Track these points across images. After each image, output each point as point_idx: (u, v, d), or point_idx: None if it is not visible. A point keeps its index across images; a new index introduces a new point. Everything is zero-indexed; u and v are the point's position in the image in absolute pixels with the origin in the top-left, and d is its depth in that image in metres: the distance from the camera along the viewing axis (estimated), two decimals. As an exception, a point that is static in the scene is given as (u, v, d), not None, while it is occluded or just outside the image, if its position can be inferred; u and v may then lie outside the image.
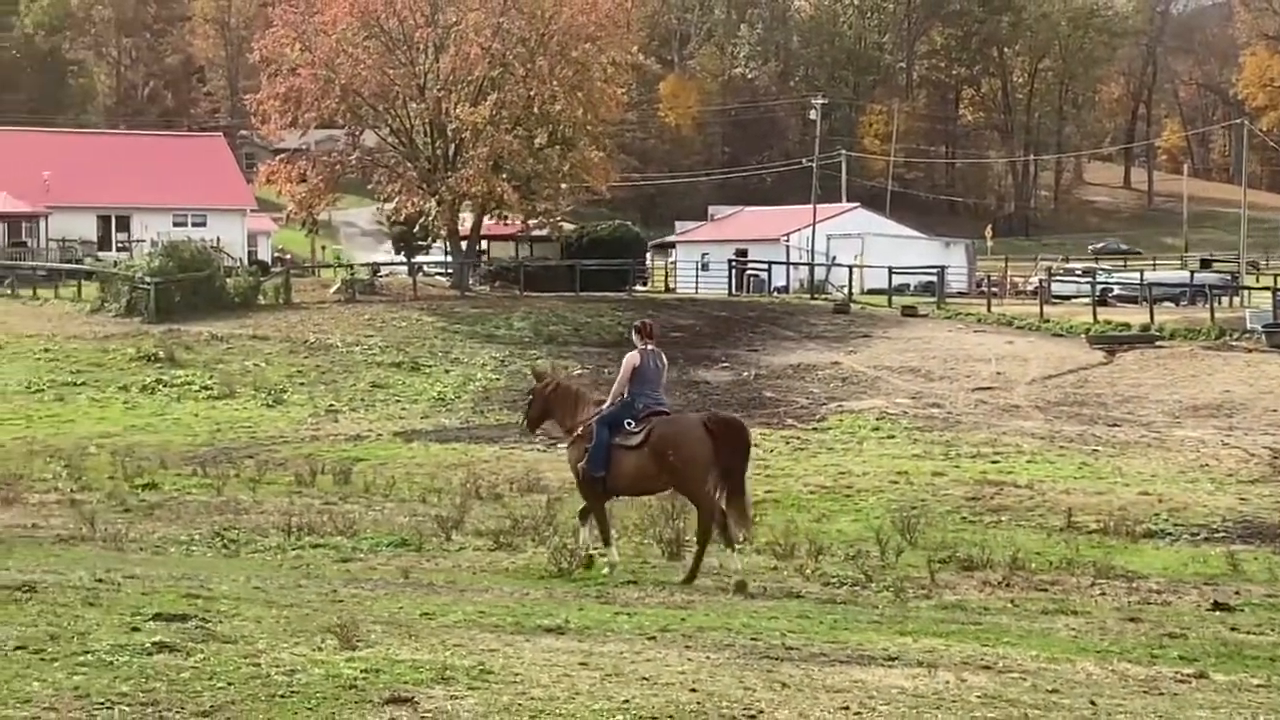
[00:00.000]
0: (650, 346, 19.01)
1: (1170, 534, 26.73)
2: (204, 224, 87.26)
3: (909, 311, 70.09)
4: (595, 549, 18.88)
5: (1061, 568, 21.28)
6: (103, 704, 9.02)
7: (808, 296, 78.80)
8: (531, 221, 78.30)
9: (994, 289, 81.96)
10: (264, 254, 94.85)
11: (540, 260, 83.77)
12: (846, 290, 78.00)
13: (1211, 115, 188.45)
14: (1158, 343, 57.86)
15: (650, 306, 70.48)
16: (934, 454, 37.57)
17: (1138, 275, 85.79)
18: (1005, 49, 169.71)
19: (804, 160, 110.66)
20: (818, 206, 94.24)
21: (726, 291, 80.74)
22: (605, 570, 18.49)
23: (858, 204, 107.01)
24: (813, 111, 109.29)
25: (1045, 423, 43.93)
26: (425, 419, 46.36)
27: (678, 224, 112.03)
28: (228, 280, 69.19)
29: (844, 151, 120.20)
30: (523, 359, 55.79)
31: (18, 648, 10.49)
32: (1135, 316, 64.52)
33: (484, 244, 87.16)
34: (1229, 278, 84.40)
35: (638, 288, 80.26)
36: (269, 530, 22.29)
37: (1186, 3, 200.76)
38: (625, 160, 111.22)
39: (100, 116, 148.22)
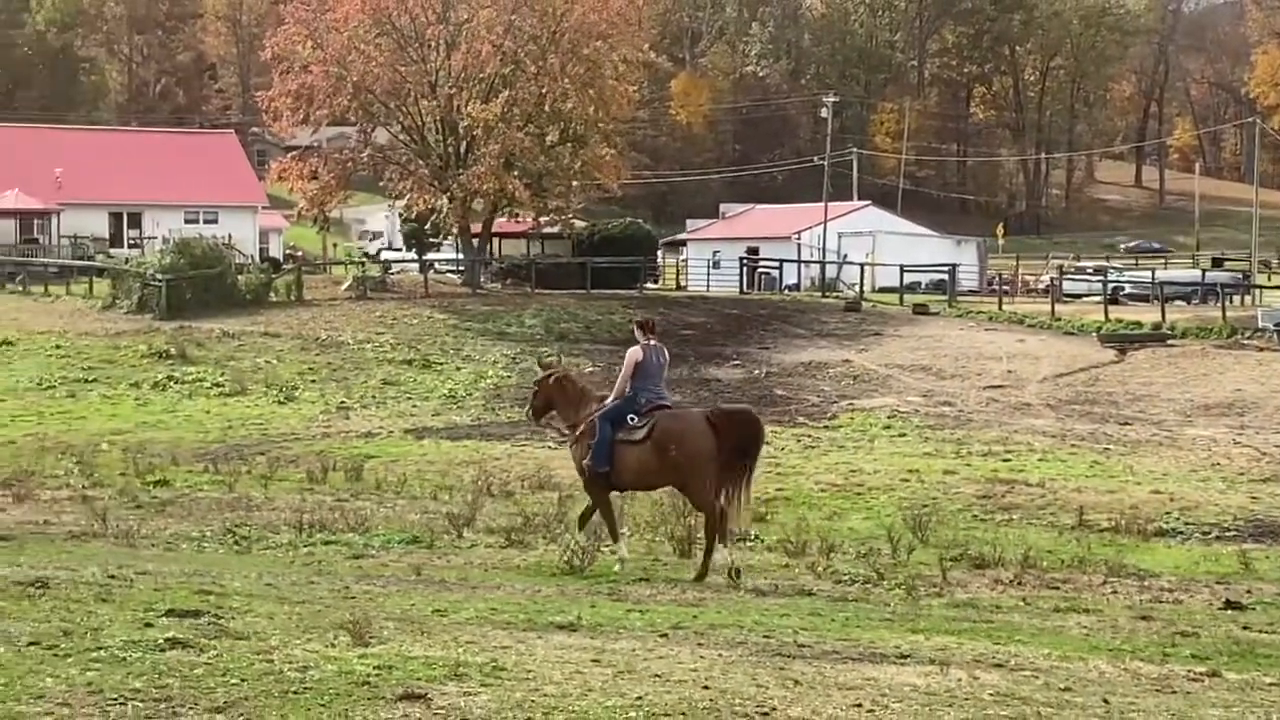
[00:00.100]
0: (652, 341, 19.14)
1: (1182, 532, 26.70)
2: (215, 221, 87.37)
3: (920, 310, 70.03)
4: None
5: (1073, 566, 21.27)
6: (116, 700, 9.03)
7: (819, 294, 78.75)
8: (543, 219, 78.27)
9: (1005, 287, 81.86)
10: (275, 251, 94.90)
11: (551, 258, 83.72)
12: (858, 288, 77.95)
13: (1223, 114, 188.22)
14: (1169, 341, 57.82)
15: (662, 304, 70.48)
16: (945, 452, 37.54)
17: (1149, 274, 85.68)
18: (1017, 47, 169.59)
19: (815, 158, 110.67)
20: (829, 204, 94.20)
21: (738, 289, 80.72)
22: (616, 566, 18.52)
23: (869, 202, 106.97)
24: (824, 109, 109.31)
25: (1057, 421, 43.90)
26: (436, 416, 46.36)
27: (689, 222, 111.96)
28: (239, 277, 69.23)
29: (855, 149, 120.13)
30: (534, 357, 55.74)
31: (31, 643, 10.50)
32: (1147, 315, 64.45)
33: (495, 241, 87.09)
34: (1241, 276, 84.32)
35: (649, 285, 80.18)
36: (280, 527, 22.31)
37: (1198, 1, 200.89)
38: (637, 158, 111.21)
39: (112, 113, 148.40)
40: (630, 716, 9.17)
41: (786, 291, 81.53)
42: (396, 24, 74.03)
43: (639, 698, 9.65)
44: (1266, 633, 15.53)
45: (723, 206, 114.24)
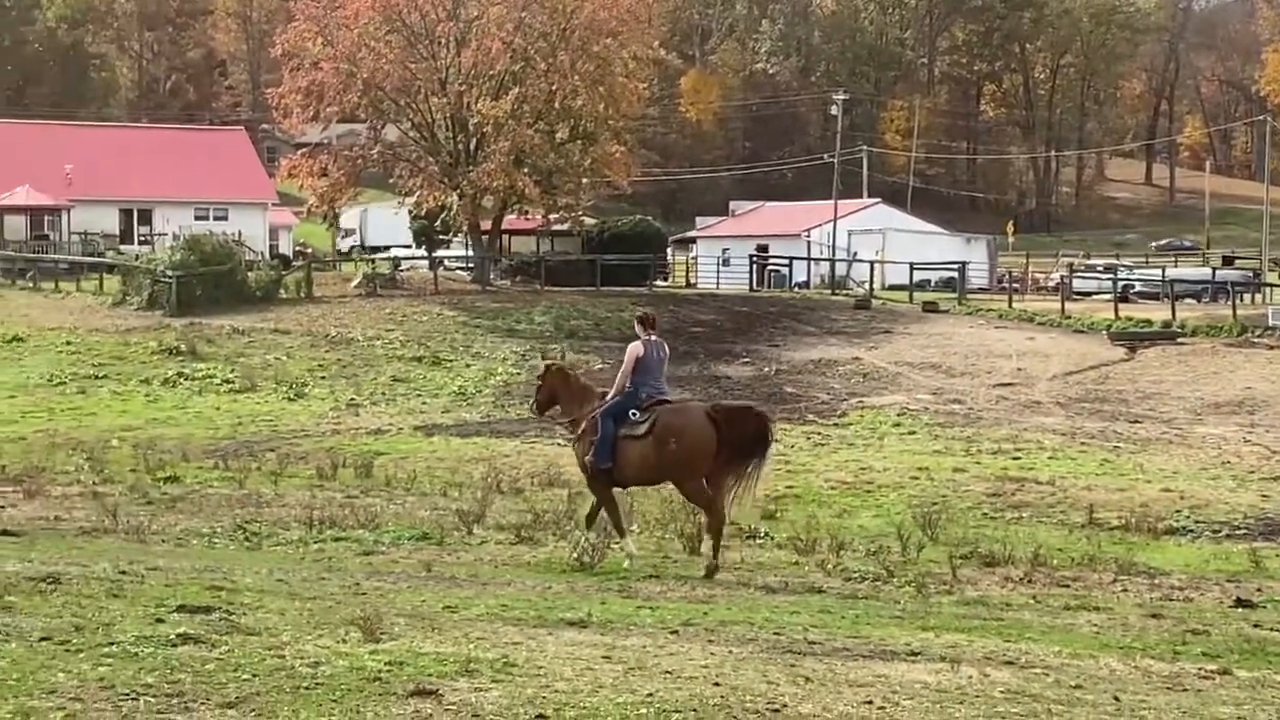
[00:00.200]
0: (653, 337, 19.28)
1: (1192, 531, 26.69)
2: (225, 218, 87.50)
3: (930, 307, 69.97)
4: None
5: (1083, 564, 21.26)
6: (128, 695, 9.04)
7: (829, 292, 78.70)
8: (552, 216, 78.30)
9: (1015, 285, 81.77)
10: (285, 248, 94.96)
11: (561, 255, 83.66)
12: (867, 286, 77.87)
13: (1234, 112, 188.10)
14: (1179, 339, 57.76)
15: (671, 302, 70.49)
16: (955, 450, 37.53)
17: (1159, 272, 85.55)
18: (1027, 45, 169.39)
19: (825, 156, 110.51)
20: (839, 202, 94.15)
21: (747, 287, 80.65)
22: (625, 563, 18.55)
23: (879, 199, 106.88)
24: (834, 107, 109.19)
25: (1066, 419, 43.87)
26: (446, 413, 46.40)
27: (699, 219, 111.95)
28: (249, 274, 69.29)
29: (865, 147, 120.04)
30: (543, 354, 55.84)
31: (43, 639, 10.53)
32: (1157, 313, 64.38)
33: (504, 239, 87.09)
34: (1251, 274, 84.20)
35: (659, 283, 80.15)
36: (291, 523, 22.33)
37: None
38: (646, 155, 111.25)
39: (122, 110, 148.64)
40: (641, 713, 9.17)
41: (796, 289, 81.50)
42: (407, 21, 74.03)
43: (650, 694, 9.66)
44: (1277, 631, 15.51)
45: (732, 204, 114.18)
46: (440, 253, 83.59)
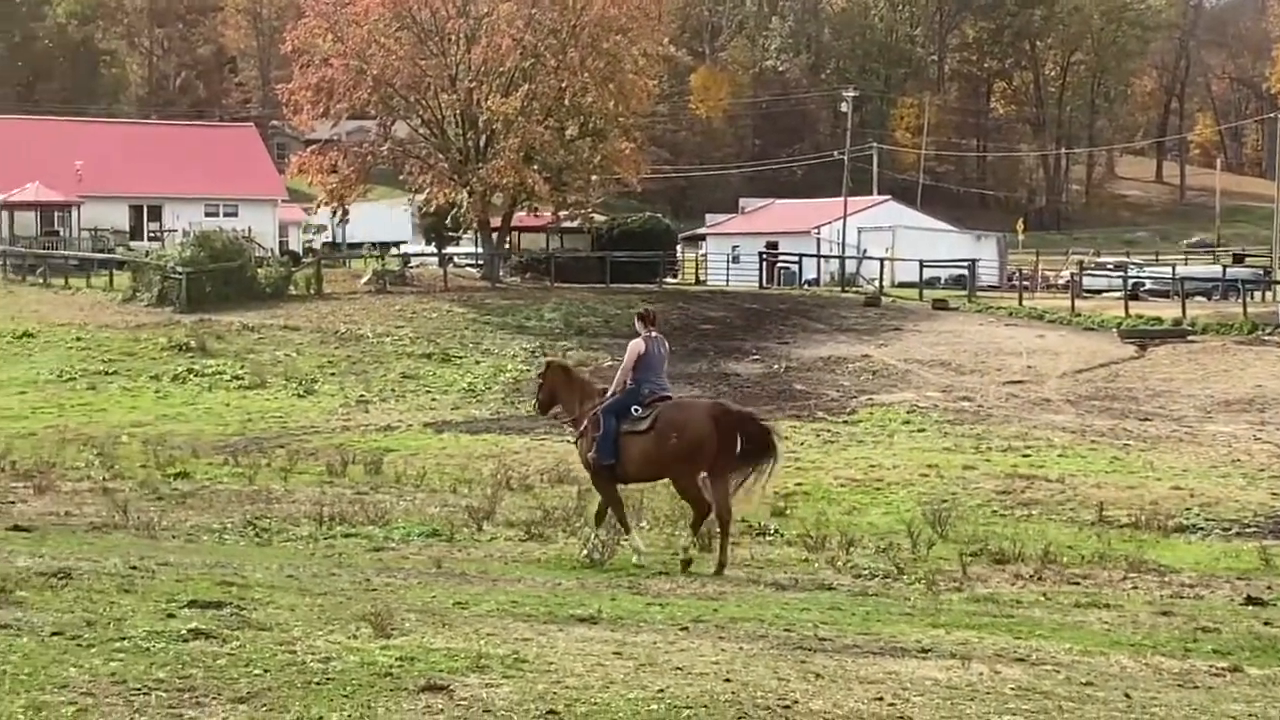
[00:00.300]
0: (653, 334, 19.36)
1: (1202, 528, 26.64)
2: (235, 214, 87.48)
3: (940, 305, 69.93)
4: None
5: (1093, 561, 21.23)
6: (139, 690, 9.06)
7: (838, 289, 78.70)
8: (562, 213, 78.34)
9: (1025, 283, 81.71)
10: (295, 244, 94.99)
11: (570, 252, 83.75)
12: (877, 283, 77.87)
13: (1244, 109, 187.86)
14: (1189, 337, 57.68)
15: (681, 299, 70.54)
16: (964, 447, 37.47)
17: (1169, 270, 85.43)
18: (1037, 42, 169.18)
19: (835, 153, 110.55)
20: (849, 199, 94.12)
21: (757, 284, 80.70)
22: (634, 559, 18.57)
23: (889, 197, 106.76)
24: (844, 104, 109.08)
25: (1076, 417, 43.81)
26: (456, 410, 46.41)
27: (708, 216, 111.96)
28: (259, 270, 69.34)
29: (875, 144, 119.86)
30: (553, 350, 55.83)
31: (54, 633, 10.55)
32: (1167, 311, 64.29)
33: (514, 235, 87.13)
34: (1261, 272, 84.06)
35: (668, 280, 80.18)
36: (301, 519, 22.35)
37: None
38: (656, 152, 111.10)
39: (132, 106, 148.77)
40: (652, 709, 9.18)
41: (806, 286, 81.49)
42: (417, 17, 74.07)
43: (661, 690, 9.67)
44: (1288, 628, 15.50)
45: (742, 201, 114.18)
46: (450, 249, 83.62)
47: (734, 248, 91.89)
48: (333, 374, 52.22)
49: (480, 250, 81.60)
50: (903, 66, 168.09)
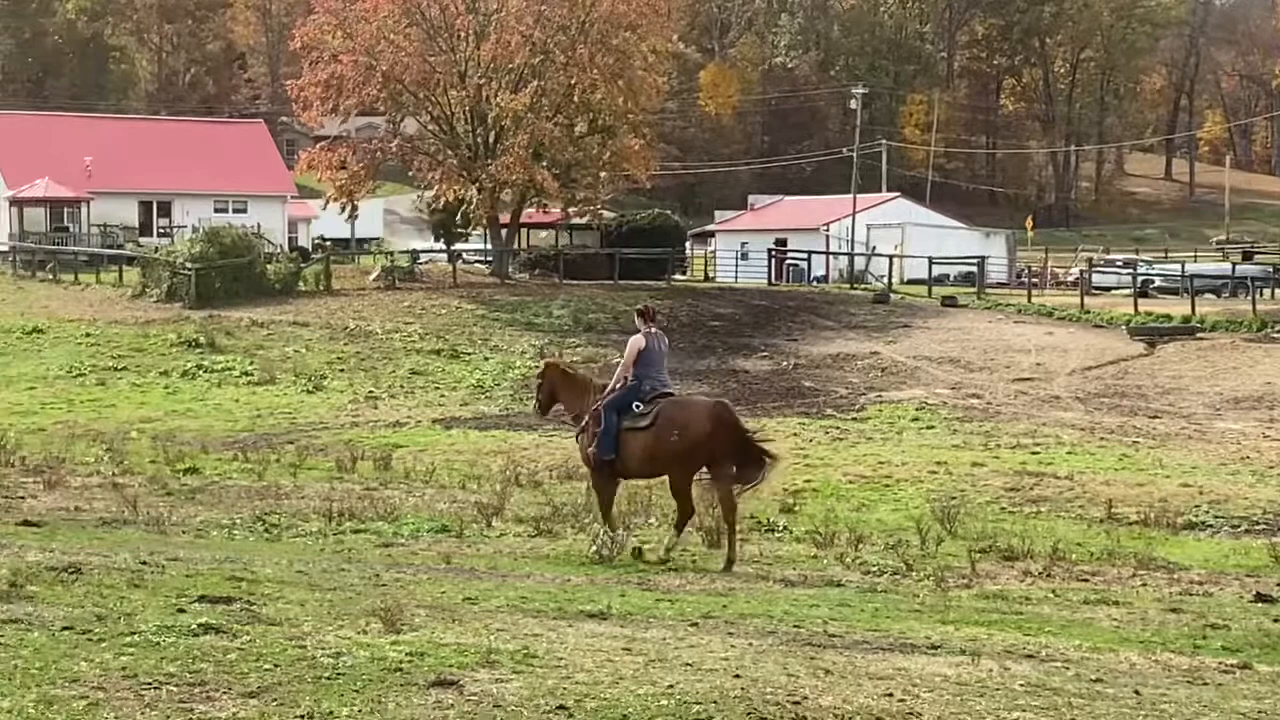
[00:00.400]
0: (653, 329, 19.47)
1: (1211, 526, 26.63)
2: (244, 210, 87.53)
3: (949, 302, 69.89)
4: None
5: (1102, 559, 21.24)
6: (150, 684, 9.08)
7: (847, 286, 78.66)
8: (571, 210, 78.34)
9: (1034, 280, 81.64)
10: (304, 241, 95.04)
11: (579, 248, 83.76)
12: (886, 280, 77.81)
13: (1254, 107, 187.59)
14: (1198, 334, 57.61)
15: (690, 295, 70.54)
16: (973, 444, 37.48)
17: (1178, 267, 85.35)
18: (1047, 39, 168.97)
19: (844, 150, 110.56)
20: (858, 196, 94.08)
21: (766, 281, 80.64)
22: (590, 549, 18.71)
23: (898, 194, 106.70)
24: (853, 101, 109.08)
25: (1085, 414, 43.80)
26: (465, 406, 46.46)
27: (717, 213, 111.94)
28: (268, 266, 69.40)
29: (884, 141, 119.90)
30: (562, 347, 55.85)
31: (65, 628, 10.57)
32: (1176, 308, 64.21)
33: (523, 232, 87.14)
34: (1271, 269, 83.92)
35: (677, 276, 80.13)
36: (310, 515, 22.37)
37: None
38: (665, 149, 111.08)
39: (142, 102, 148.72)
40: (662, 704, 9.19)
41: (814, 283, 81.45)
42: (426, 14, 74.13)
43: (671, 686, 9.68)
44: (1297, 626, 15.49)
45: (751, 198, 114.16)
46: (459, 246, 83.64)
47: (743, 244, 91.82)
48: (342, 370, 52.29)
49: (489, 247, 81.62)
50: (912, 63, 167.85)
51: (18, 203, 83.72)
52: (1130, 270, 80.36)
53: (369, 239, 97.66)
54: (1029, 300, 70.72)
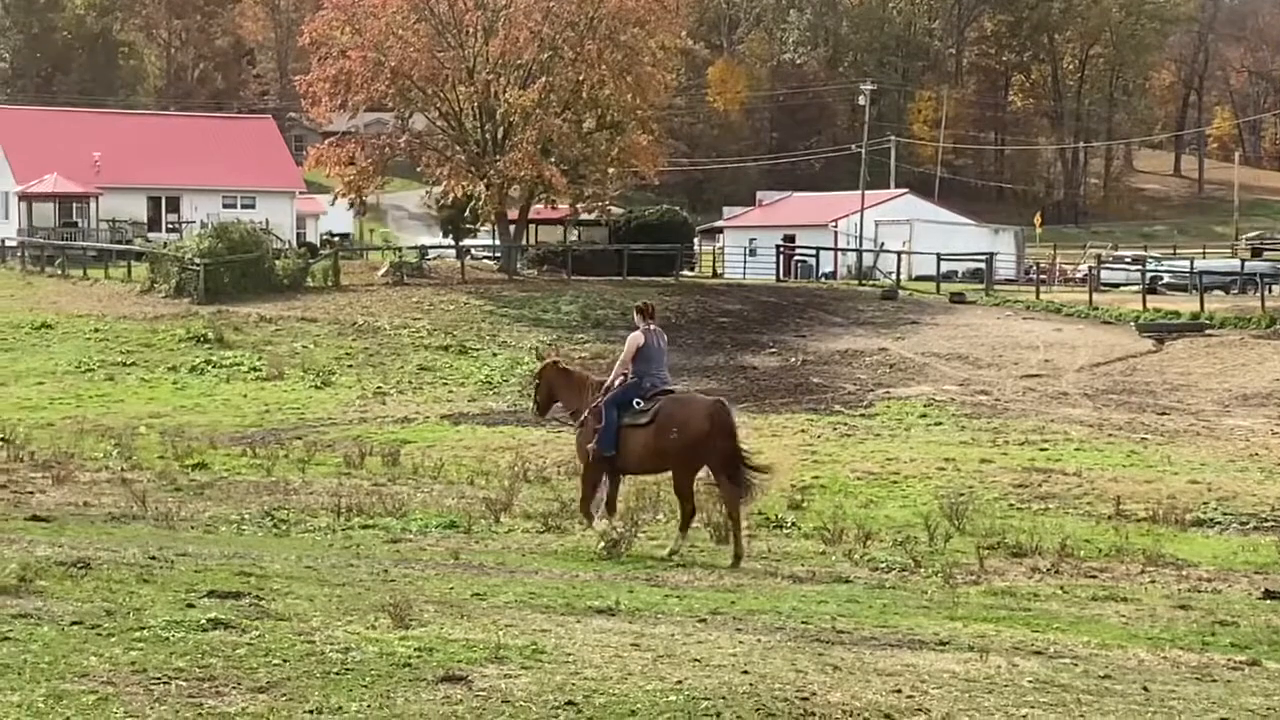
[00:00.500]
0: (652, 326, 19.57)
1: (1219, 522, 26.60)
2: (253, 206, 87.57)
3: (957, 298, 69.87)
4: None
5: (1111, 555, 21.21)
6: (159, 679, 9.10)
7: (855, 282, 78.66)
8: (579, 206, 78.31)
9: (1043, 276, 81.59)
10: (312, 236, 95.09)
11: (588, 244, 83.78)
12: (894, 276, 77.81)
13: (1263, 103, 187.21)
14: (1207, 331, 57.55)
15: (698, 292, 70.56)
16: (981, 441, 37.44)
17: (1187, 263, 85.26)
18: (1056, 35, 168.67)
19: (853, 146, 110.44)
20: (866, 192, 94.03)
21: (774, 277, 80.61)
22: (599, 545, 18.72)
23: (906, 190, 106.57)
24: (862, 97, 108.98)
25: (1094, 410, 43.76)
26: (473, 402, 46.48)
27: (725, 209, 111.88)
28: (276, 262, 69.43)
29: (893, 137, 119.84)
30: (570, 343, 55.93)
31: (74, 623, 10.59)
32: (1185, 305, 64.14)
33: (531, 228, 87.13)
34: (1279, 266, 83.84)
35: (685, 273, 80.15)
36: (318, 511, 22.39)
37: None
38: (673, 145, 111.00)
39: (150, 98, 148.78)
40: (671, 700, 9.20)
41: (823, 279, 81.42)
42: (435, 10, 74.18)
43: (679, 682, 9.69)
44: (1306, 623, 15.47)
45: (759, 194, 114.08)
46: (467, 242, 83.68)
47: (751, 240, 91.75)
48: (350, 366, 52.32)
49: (497, 243, 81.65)
50: (921, 59, 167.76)
51: (27, 198, 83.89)
52: (1139, 267, 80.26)
53: (343, 234, 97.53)
54: (1037, 297, 70.66)
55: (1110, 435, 38.61)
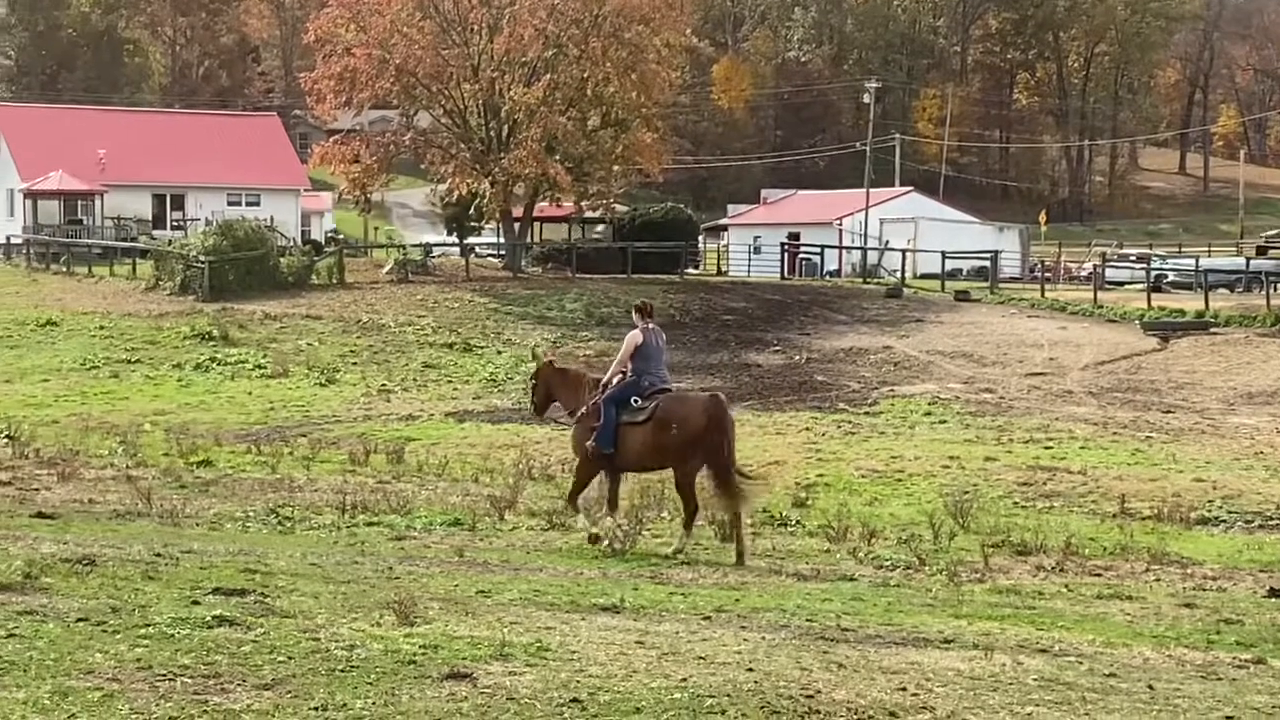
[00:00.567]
0: (651, 325, 19.65)
1: (1224, 521, 26.59)
2: (258, 203, 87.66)
3: (962, 296, 69.85)
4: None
5: (1115, 553, 21.22)
6: (165, 676, 9.11)
7: (860, 280, 78.62)
8: (584, 203, 78.31)
9: (1047, 274, 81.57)
10: (317, 234, 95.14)
11: (592, 242, 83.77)
12: (899, 274, 77.78)
13: (1269, 101, 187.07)
14: (1212, 329, 57.50)
15: (702, 289, 70.55)
16: (986, 439, 37.42)
17: (1192, 261, 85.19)
18: (1061, 33, 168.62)
19: (857, 144, 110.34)
20: (871, 190, 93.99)
21: (779, 275, 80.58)
22: (580, 530, 18.97)
23: (911, 188, 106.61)
24: (866, 95, 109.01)
25: (1098, 409, 43.73)
26: (477, 399, 46.49)
27: (730, 207, 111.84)
28: (281, 259, 69.45)
29: (898, 135, 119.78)
30: (575, 340, 55.96)
31: (80, 619, 10.60)
32: (1190, 303, 64.09)
33: (536, 226, 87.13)
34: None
35: (689, 270, 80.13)
36: (323, 508, 22.40)
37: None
38: (678, 143, 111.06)
39: (155, 95, 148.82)
40: (676, 698, 9.20)
41: (827, 277, 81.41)
42: (439, 7, 74.18)
43: (684, 679, 9.69)
44: (1311, 621, 15.46)
45: (764, 192, 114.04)
46: (471, 240, 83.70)
47: (756, 238, 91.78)
48: (354, 363, 52.34)
49: (502, 240, 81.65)
50: (925, 57, 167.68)
51: (32, 195, 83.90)
52: (1144, 265, 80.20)
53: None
54: (1042, 295, 70.63)
55: (1115, 433, 38.59)
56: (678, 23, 77.92)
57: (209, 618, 10.80)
